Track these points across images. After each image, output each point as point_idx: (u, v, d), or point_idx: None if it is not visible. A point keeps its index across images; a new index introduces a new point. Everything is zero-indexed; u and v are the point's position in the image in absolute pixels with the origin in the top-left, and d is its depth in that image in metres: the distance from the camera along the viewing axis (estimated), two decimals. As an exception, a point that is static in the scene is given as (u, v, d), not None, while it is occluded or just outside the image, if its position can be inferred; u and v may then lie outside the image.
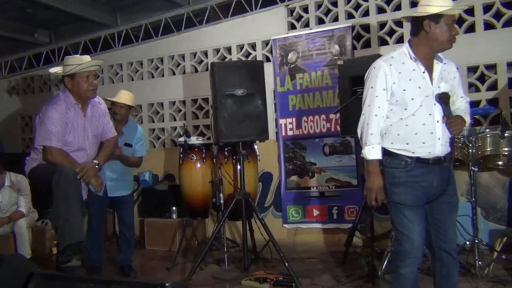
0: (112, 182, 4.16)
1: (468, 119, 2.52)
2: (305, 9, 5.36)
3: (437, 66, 2.49)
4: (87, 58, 3.52)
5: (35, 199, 4.83)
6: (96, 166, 3.47)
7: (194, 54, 6.02)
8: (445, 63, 2.53)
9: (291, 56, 5.24)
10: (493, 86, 4.56)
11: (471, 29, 4.62)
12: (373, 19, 5.02)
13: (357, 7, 5.10)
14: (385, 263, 3.60)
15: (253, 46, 5.66)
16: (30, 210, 4.79)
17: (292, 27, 5.44)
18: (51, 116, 3.32)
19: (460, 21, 4.66)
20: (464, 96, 2.61)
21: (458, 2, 4.61)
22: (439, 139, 2.43)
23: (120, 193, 4.24)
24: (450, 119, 2.41)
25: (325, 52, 5.07)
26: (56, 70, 3.57)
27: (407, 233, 2.45)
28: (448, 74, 2.53)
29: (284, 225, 5.26)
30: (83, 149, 3.49)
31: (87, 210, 3.86)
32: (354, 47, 5.01)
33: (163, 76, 6.21)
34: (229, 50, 5.77)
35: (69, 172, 3.14)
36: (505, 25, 4.46)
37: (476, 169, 3.65)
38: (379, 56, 4.33)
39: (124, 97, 4.31)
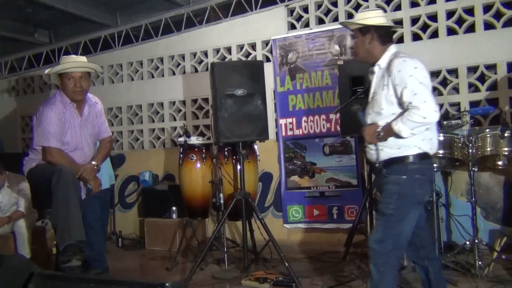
0: None
1: (396, 127, 2.40)
2: (305, 9, 5.36)
3: (377, 73, 2.64)
4: (80, 59, 3.53)
5: (35, 199, 4.82)
6: (95, 168, 3.47)
7: (194, 54, 6.02)
8: (384, 68, 2.57)
9: (291, 56, 5.24)
10: (493, 86, 4.56)
11: (471, 29, 4.62)
12: (373, 19, 5.02)
13: (357, 7, 5.10)
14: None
15: (253, 46, 5.66)
16: (30, 210, 4.79)
17: (292, 27, 5.44)
18: (48, 116, 3.33)
19: (460, 21, 4.67)
20: (408, 102, 2.39)
21: (458, 2, 4.64)
22: (366, 146, 2.67)
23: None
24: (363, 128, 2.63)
25: (325, 52, 5.07)
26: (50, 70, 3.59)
27: None
28: (385, 80, 2.52)
29: (284, 225, 5.26)
30: (80, 149, 3.50)
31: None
32: (354, 47, 5.00)
33: (163, 76, 6.20)
34: (229, 50, 5.77)
35: (68, 172, 3.15)
36: (505, 25, 4.46)
37: (476, 169, 3.65)
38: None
39: None
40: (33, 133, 3.46)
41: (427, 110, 2.35)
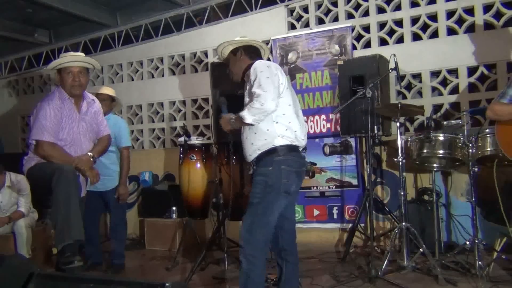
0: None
1: (242, 113, 2.67)
2: (305, 9, 5.36)
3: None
4: (79, 54, 3.58)
5: (35, 199, 4.83)
6: (91, 159, 3.48)
7: (194, 54, 6.02)
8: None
9: (291, 56, 5.24)
10: (493, 86, 4.55)
11: (470, 29, 4.62)
12: (373, 19, 5.02)
13: (357, 7, 5.11)
14: (385, 263, 3.60)
15: (253, 46, 5.65)
16: (30, 210, 4.79)
17: (292, 27, 5.44)
18: (44, 111, 3.35)
19: (460, 21, 4.67)
20: (253, 92, 2.68)
21: (458, 2, 4.64)
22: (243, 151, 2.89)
23: (107, 187, 4.23)
24: None
25: (325, 52, 5.07)
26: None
27: None
28: (249, 80, 2.81)
29: (284, 225, 5.25)
30: (78, 144, 3.49)
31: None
32: (354, 47, 5.01)
33: (163, 76, 6.21)
34: (229, 50, 5.76)
35: (69, 171, 3.14)
36: (505, 25, 4.46)
37: (476, 169, 3.65)
38: (379, 56, 4.36)
39: (107, 88, 4.47)
40: (30, 129, 3.47)
41: (266, 98, 2.60)
